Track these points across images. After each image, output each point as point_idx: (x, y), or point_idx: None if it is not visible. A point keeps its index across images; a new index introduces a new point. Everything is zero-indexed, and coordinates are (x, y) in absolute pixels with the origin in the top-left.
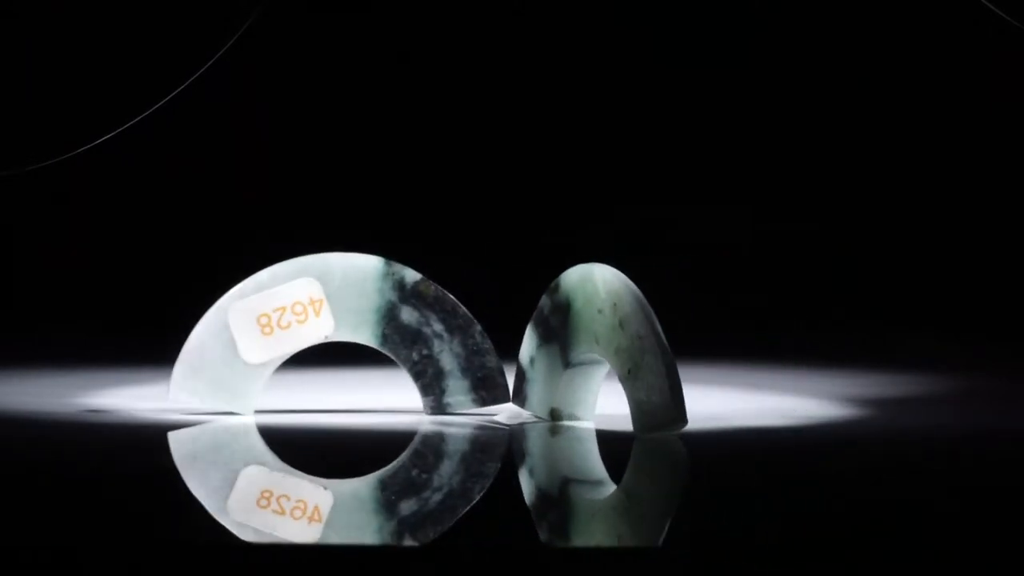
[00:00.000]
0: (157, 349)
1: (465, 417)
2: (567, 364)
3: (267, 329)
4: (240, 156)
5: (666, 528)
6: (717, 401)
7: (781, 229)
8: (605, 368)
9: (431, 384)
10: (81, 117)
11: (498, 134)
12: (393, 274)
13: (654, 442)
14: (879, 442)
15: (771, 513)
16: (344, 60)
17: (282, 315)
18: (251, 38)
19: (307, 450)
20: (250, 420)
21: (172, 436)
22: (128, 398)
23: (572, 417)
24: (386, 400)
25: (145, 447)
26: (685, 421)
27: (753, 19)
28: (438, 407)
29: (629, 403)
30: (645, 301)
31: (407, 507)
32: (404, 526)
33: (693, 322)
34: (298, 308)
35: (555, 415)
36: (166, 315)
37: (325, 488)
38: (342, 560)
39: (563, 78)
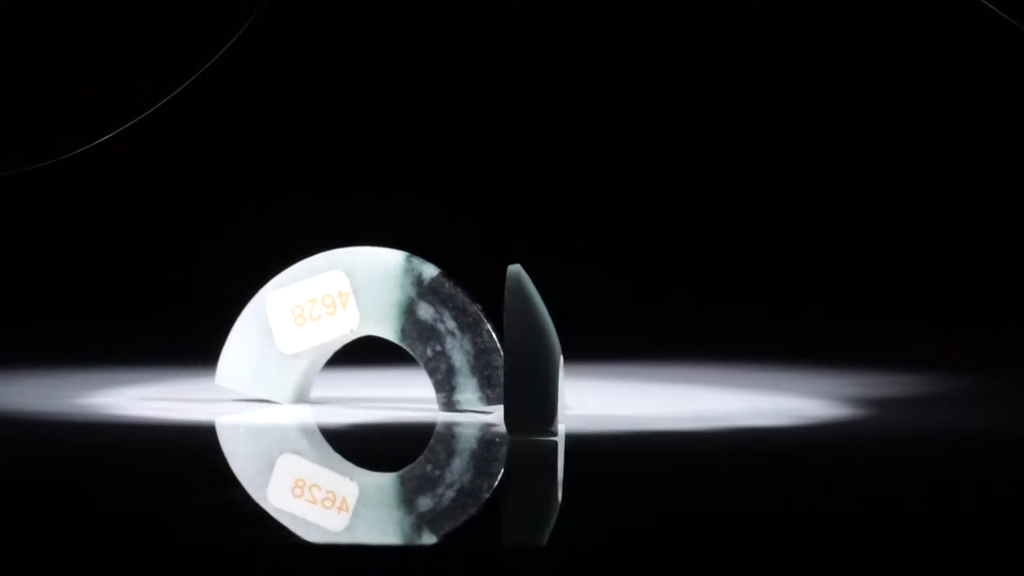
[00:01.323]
0: (157, 349)
1: (463, 416)
2: None
3: (300, 320)
4: (241, 155)
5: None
6: (717, 401)
7: (781, 229)
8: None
9: (443, 381)
10: (81, 117)
11: (524, 131)
12: (413, 269)
13: (527, 444)
14: (879, 442)
15: (770, 513)
16: (350, 58)
17: (314, 307)
18: (255, 36)
19: (311, 444)
20: (285, 410)
21: (219, 423)
22: (129, 398)
23: None
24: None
25: (146, 446)
26: (536, 430)
27: (751, 19)
28: (449, 404)
29: None
30: (521, 307)
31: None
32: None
33: (694, 322)
34: (328, 300)
35: None
36: (166, 315)
37: (351, 479)
38: (343, 559)
39: (578, 82)
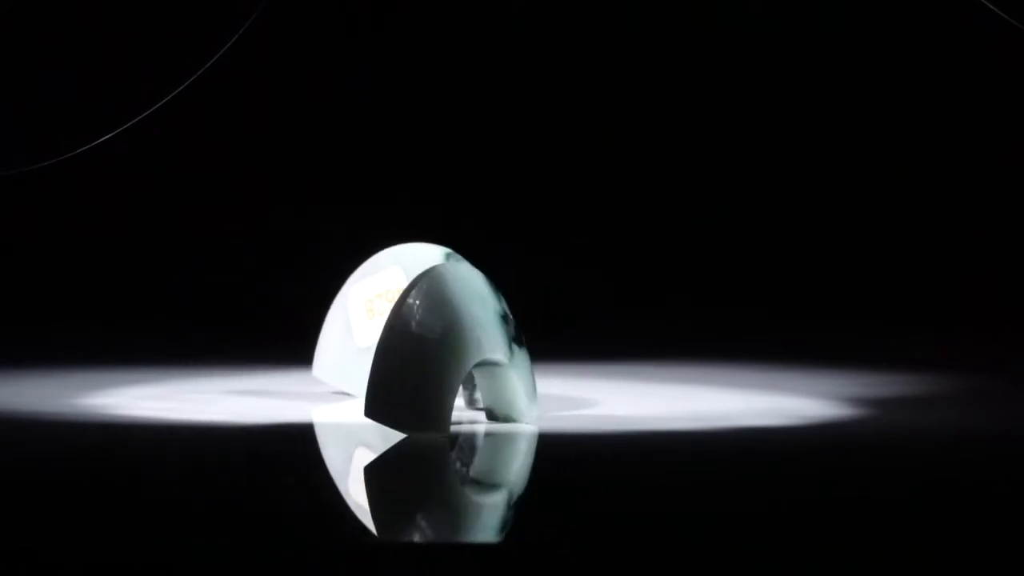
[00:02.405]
0: (157, 349)
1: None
2: None
3: (371, 314)
4: (241, 155)
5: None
6: (717, 401)
7: (781, 229)
8: (500, 368)
9: (467, 378)
10: (81, 117)
11: (524, 130)
12: None
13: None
14: (879, 442)
15: (770, 513)
16: (350, 58)
17: (380, 301)
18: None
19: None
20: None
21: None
22: (129, 398)
23: (508, 419)
24: None
25: (147, 447)
26: (394, 428)
27: (751, 19)
28: (471, 401)
29: None
30: (424, 299)
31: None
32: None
33: (694, 322)
34: (390, 296)
35: (490, 415)
36: (166, 315)
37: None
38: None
39: (578, 82)
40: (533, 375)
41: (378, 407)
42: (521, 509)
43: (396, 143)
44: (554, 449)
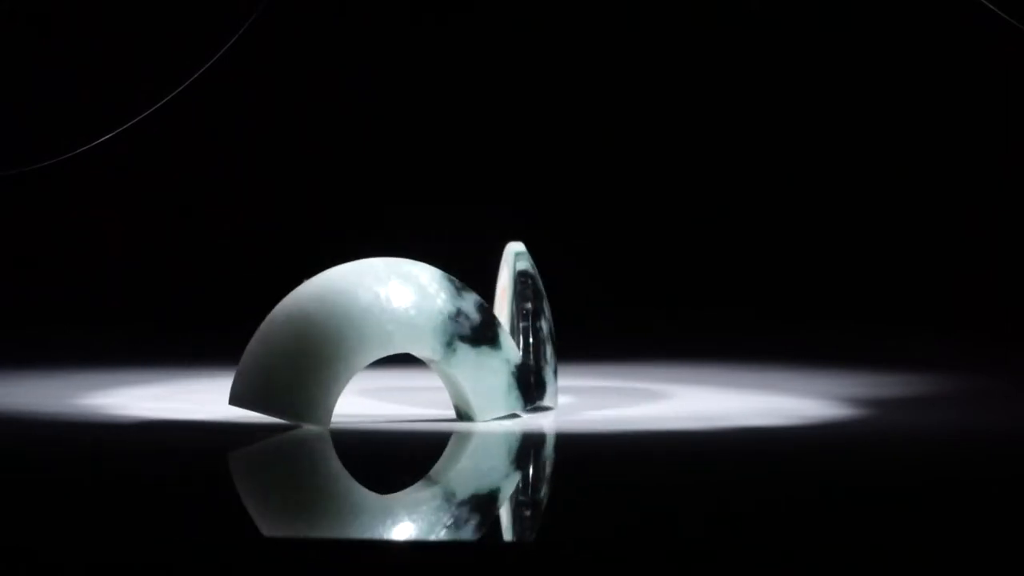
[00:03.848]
0: (157, 349)
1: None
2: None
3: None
4: (241, 155)
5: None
6: (717, 401)
7: (781, 229)
8: (437, 365)
9: None
10: (81, 117)
11: (525, 130)
12: (513, 265)
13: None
14: (879, 442)
15: (770, 512)
16: (350, 58)
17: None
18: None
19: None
20: None
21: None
22: (129, 398)
23: (467, 417)
24: None
25: (147, 447)
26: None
27: (751, 19)
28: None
29: None
30: (305, 291)
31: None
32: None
33: (694, 322)
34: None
35: (457, 412)
36: (166, 315)
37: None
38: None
39: (578, 82)
40: (505, 375)
41: (247, 392)
42: (455, 508)
43: (394, 144)
44: (550, 449)
